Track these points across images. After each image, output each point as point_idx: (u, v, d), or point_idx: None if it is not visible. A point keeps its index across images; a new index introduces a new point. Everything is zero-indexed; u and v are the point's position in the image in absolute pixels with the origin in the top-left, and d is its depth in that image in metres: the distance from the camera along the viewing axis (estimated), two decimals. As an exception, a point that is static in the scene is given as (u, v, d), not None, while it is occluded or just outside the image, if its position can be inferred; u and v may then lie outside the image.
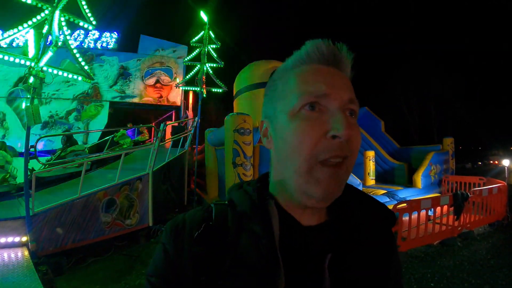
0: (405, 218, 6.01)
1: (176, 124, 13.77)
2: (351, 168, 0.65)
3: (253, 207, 0.69)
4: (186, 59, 13.58)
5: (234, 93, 12.39)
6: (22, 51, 6.15)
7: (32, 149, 6.85)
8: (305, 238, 0.68)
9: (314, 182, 0.62)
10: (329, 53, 0.68)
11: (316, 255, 0.66)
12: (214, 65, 12.65)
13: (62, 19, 6.09)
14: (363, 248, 0.68)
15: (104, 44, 16.46)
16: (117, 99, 15.99)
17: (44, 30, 5.96)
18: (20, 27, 6.00)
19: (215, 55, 12.63)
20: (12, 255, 5.14)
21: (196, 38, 12.63)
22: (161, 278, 0.68)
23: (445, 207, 6.68)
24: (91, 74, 6.84)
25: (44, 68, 5.85)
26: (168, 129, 13.57)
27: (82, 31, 15.98)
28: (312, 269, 0.65)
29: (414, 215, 6.08)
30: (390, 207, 7.69)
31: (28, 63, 5.78)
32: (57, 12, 5.97)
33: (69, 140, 9.89)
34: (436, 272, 5.10)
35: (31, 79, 5.74)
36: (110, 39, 16.58)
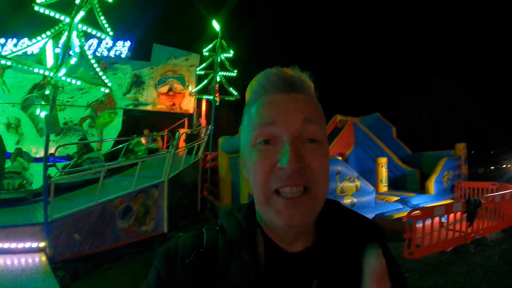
0: (419, 225, 5.99)
1: (189, 132, 13.84)
2: (321, 196, 0.66)
3: (242, 235, 0.71)
4: (199, 68, 13.69)
5: (247, 101, 12.44)
6: (36, 59, 6.26)
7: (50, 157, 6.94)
8: (290, 265, 0.68)
9: (275, 212, 0.64)
10: (280, 81, 0.69)
11: (303, 281, 0.66)
12: (227, 73, 12.72)
13: (80, 30, 6.19)
14: (351, 270, 0.67)
15: (117, 53, 16.59)
16: (130, 107, 16.12)
17: (62, 40, 6.07)
18: (38, 37, 6.11)
19: (228, 64, 12.71)
20: (30, 260, 5.22)
21: (209, 47, 12.74)
22: None
23: (458, 214, 6.64)
24: (108, 83, 6.92)
25: (63, 78, 5.93)
26: (181, 137, 13.62)
27: (96, 40, 16.15)
28: None
29: (428, 222, 6.06)
30: (404, 214, 7.65)
31: (46, 72, 5.88)
32: (74, 23, 6.07)
33: (86, 147, 10.07)
34: (449, 279, 5.09)
35: (49, 89, 5.82)
36: (123, 47, 16.69)
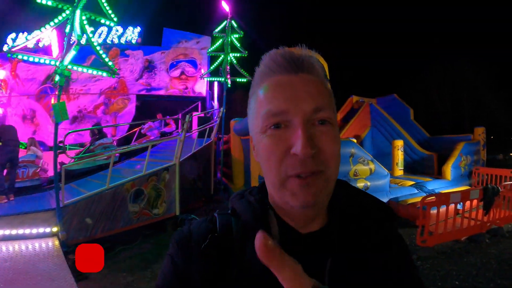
0: (433, 211, 5.83)
1: (202, 114, 13.86)
2: (332, 177, 0.65)
3: (256, 217, 0.70)
4: (209, 49, 13.57)
5: (252, 82, 12.30)
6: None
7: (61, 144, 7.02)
8: (304, 245, 0.68)
9: (290, 194, 0.63)
10: (286, 61, 0.66)
11: (316, 261, 0.65)
12: (238, 54, 12.59)
13: (84, 18, 6.17)
14: (363, 249, 0.69)
15: (128, 39, 16.69)
16: (143, 92, 16.19)
17: (67, 30, 6.07)
18: (42, 29, 6.13)
19: (239, 45, 12.57)
20: (43, 245, 5.35)
21: (219, 28, 12.58)
22: None
23: (475, 201, 6.40)
24: (115, 70, 6.90)
25: (69, 67, 5.95)
26: (194, 120, 13.64)
27: (106, 28, 16.22)
28: (314, 275, 0.60)
29: (443, 209, 5.91)
30: (418, 199, 7.51)
31: (52, 62, 5.90)
32: (77, 12, 6.06)
33: (99, 133, 10.20)
34: (462, 270, 4.94)
35: (57, 78, 5.86)
36: (133, 33, 16.80)
